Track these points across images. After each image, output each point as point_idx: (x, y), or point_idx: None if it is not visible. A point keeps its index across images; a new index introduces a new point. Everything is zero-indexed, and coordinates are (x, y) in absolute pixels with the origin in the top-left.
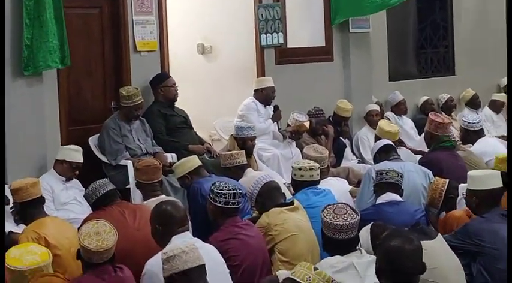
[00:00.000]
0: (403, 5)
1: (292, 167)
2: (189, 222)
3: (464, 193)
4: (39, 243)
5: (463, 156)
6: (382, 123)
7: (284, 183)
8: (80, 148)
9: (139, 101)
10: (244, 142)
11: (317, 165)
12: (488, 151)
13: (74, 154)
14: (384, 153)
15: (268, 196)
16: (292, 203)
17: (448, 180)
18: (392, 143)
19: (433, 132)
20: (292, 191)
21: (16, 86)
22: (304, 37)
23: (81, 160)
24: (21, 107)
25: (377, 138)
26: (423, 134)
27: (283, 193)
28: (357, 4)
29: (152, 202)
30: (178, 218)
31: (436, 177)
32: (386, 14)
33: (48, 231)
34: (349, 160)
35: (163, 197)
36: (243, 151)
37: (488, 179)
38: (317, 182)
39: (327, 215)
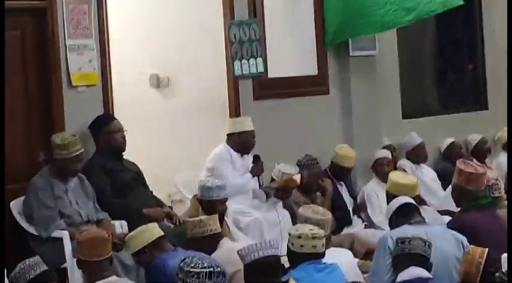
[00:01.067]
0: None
1: (290, 234)
2: None
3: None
4: None
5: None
6: (395, 175)
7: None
8: None
9: (78, 151)
10: (212, 206)
11: (322, 232)
12: None
13: None
14: (403, 215)
15: (260, 274)
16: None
17: (487, 249)
18: (413, 201)
19: (463, 186)
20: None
21: None
22: (291, 63)
23: None
24: None
25: (389, 197)
26: (449, 189)
27: (279, 272)
28: (359, 20)
29: None
30: None
31: (472, 246)
32: (396, 31)
33: None
34: (354, 225)
35: (113, 280)
36: (216, 217)
37: None
38: (322, 255)
39: None
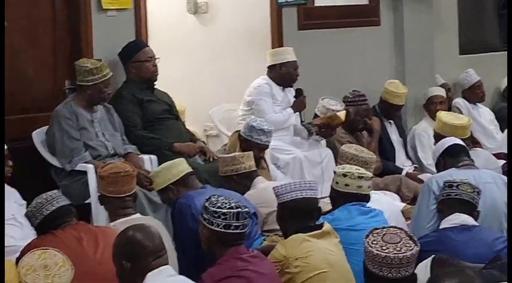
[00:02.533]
0: None
1: (335, 172)
2: (174, 253)
3: None
4: None
5: None
6: (444, 115)
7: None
8: None
9: (109, 75)
10: (248, 147)
11: (369, 174)
12: None
13: None
14: (451, 157)
15: (294, 216)
16: (320, 226)
17: None
18: (462, 143)
19: None
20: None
21: None
22: None
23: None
24: None
25: (438, 137)
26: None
27: (315, 215)
28: None
29: (121, 224)
30: (152, 248)
31: None
32: None
33: None
34: (403, 167)
35: (137, 217)
36: (251, 154)
37: None
38: (366, 197)
39: (372, 243)
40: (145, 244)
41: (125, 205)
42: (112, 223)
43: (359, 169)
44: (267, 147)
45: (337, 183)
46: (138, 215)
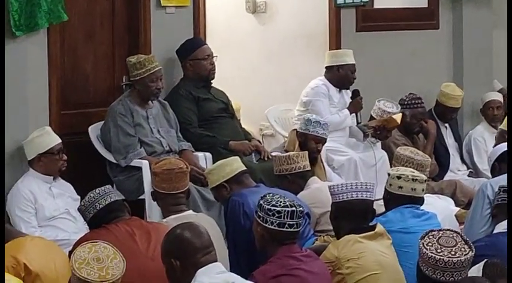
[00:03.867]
0: None
1: (389, 174)
2: (226, 250)
3: None
4: (18, 273)
5: None
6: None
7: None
8: (46, 128)
9: (155, 68)
10: (306, 141)
11: (424, 177)
12: None
13: (46, 139)
14: (506, 162)
15: (348, 216)
16: (373, 228)
17: None
18: None
19: None
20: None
21: None
22: None
23: (59, 140)
24: None
25: (502, 139)
26: None
27: (369, 217)
28: None
29: (174, 220)
30: (200, 244)
31: None
32: None
33: (29, 255)
34: (457, 172)
35: (189, 214)
36: (306, 153)
37: None
38: (420, 200)
39: (428, 245)
40: (193, 241)
41: (178, 201)
42: (164, 220)
43: (413, 172)
44: (324, 139)
45: (390, 185)
46: (190, 212)
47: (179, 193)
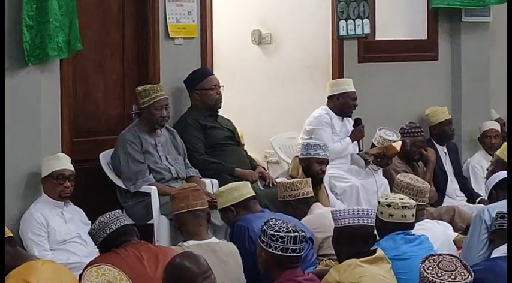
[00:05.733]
0: None
1: (379, 202)
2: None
3: None
4: None
5: None
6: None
7: None
8: (61, 154)
9: (161, 96)
10: (309, 165)
11: (413, 202)
12: None
13: (52, 163)
14: (503, 190)
15: (349, 241)
16: (373, 252)
17: None
18: None
19: None
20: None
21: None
22: (399, 26)
23: (65, 167)
24: (11, 108)
25: (498, 165)
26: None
27: (370, 242)
28: None
29: (196, 247)
30: (197, 269)
31: None
32: None
33: (40, 278)
34: (456, 197)
35: (211, 242)
36: (309, 180)
37: None
38: (411, 225)
39: (428, 269)
40: (192, 268)
41: (198, 222)
42: (186, 244)
43: (402, 199)
44: (326, 160)
45: (381, 213)
46: (213, 239)
47: (198, 210)
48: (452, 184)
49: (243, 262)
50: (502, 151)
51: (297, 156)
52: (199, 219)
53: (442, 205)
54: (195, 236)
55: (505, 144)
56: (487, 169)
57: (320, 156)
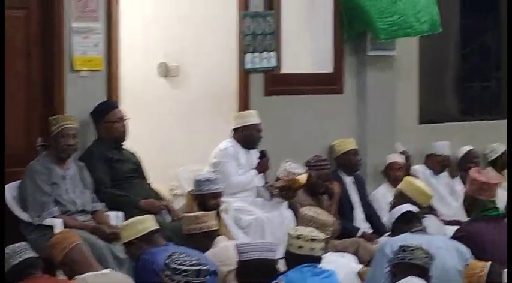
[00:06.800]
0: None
1: (289, 234)
2: None
3: None
4: None
5: None
6: (414, 179)
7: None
8: None
9: (67, 125)
10: (203, 201)
11: (322, 236)
12: None
13: None
14: (405, 223)
15: (252, 274)
16: None
17: (488, 264)
18: (415, 211)
19: (475, 196)
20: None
21: None
22: (305, 59)
23: None
24: None
25: (401, 199)
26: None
27: (272, 275)
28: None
29: (94, 277)
30: None
31: (472, 260)
32: None
33: None
34: (361, 230)
35: (107, 272)
36: (213, 214)
37: None
38: (319, 259)
39: None
40: None
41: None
42: (82, 276)
43: (312, 232)
44: (220, 194)
45: (290, 245)
46: (109, 270)
47: (78, 245)
48: (358, 215)
49: None
50: (404, 185)
51: (191, 191)
52: (84, 251)
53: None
54: (91, 268)
55: (407, 177)
56: (390, 203)
57: (213, 191)
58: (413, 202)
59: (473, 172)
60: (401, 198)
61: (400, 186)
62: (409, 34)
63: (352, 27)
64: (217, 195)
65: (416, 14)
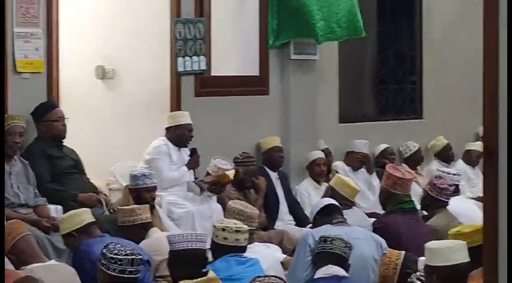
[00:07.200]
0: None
1: (214, 226)
2: None
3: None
4: None
5: (445, 223)
6: (343, 176)
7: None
8: None
9: (15, 124)
10: (139, 194)
11: (245, 227)
12: (460, 214)
13: None
14: (326, 215)
15: (183, 263)
16: (205, 274)
17: (403, 252)
18: (337, 203)
19: (390, 190)
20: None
21: None
22: (233, 63)
23: None
24: None
25: (330, 193)
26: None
27: (202, 264)
28: (305, 24)
29: (41, 268)
30: None
31: (389, 249)
32: None
33: None
34: (286, 221)
35: (53, 263)
36: (147, 207)
37: (453, 252)
38: (243, 248)
39: None
40: None
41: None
42: (29, 267)
43: (236, 224)
44: (154, 188)
45: (216, 236)
46: (53, 261)
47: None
48: (283, 208)
49: None
50: (334, 181)
51: (127, 186)
52: (32, 242)
53: (274, 227)
54: (37, 259)
55: (337, 174)
56: (322, 198)
57: (148, 185)
58: (342, 196)
59: (389, 168)
60: (331, 192)
61: (330, 182)
62: (330, 38)
63: (285, 33)
64: (152, 189)
65: (338, 20)
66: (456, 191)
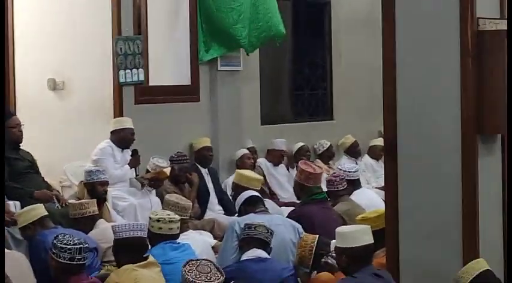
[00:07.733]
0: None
1: (150, 218)
2: (34, 279)
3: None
4: None
5: (346, 208)
6: (243, 171)
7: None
8: None
9: None
10: (93, 188)
11: (177, 217)
12: (363, 204)
13: None
14: (250, 205)
15: (126, 250)
16: (146, 258)
17: (318, 236)
18: (259, 194)
19: (303, 183)
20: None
21: None
22: (168, 74)
23: None
24: None
25: (237, 188)
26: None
27: (143, 250)
28: (232, 40)
29: None
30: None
31: (305, 233)
32: (259, 51)
33: None
34: (216, 211)
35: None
36: (94, 201)
37: (359, 235)
38: (176, 236)
39: (189, 272)
40: None
41: None
42: None
43: (169, 215)
44: (107, 182)
45: (152, 226)
46: (7, 250)
47: None
48: (213, 200)
49: (40, 270)
50: (236, 178)
51: (82, 181)
52: None
53: (204, 217)
54: None
55: (237, 170)
56: (231, 194)
57: (102, 179)
58: (249, 189)
59: (301, 164)
60: (238, 188)
61: (234, 179)
62: (256, 46)
63: (214, 50)
64: (105, 183)
65: (260, 30)
66: (358, 184)
